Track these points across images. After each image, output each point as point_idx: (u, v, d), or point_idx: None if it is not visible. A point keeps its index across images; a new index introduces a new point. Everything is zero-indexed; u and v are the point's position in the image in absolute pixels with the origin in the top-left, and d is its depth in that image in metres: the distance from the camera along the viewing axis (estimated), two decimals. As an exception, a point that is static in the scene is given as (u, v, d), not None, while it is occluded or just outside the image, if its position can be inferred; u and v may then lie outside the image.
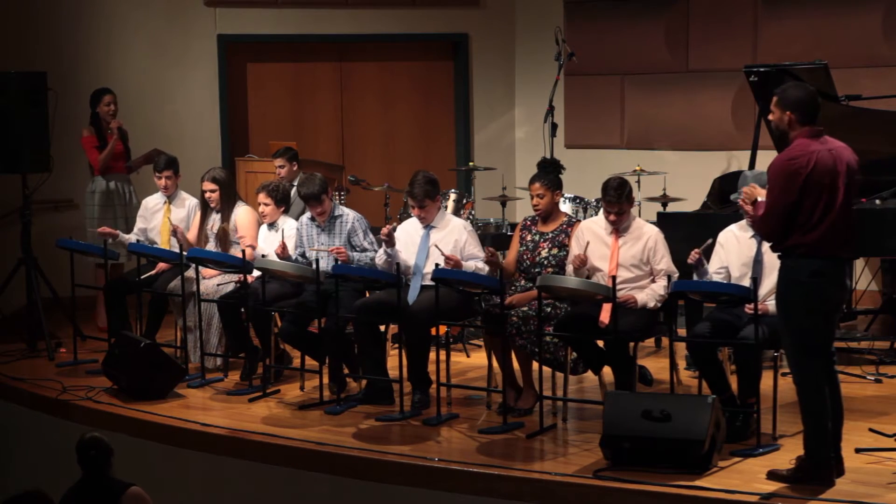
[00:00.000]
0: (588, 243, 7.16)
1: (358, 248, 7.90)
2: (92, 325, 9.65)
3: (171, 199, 9.05)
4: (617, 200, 7.12)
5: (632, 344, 6.96)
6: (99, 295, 9.64)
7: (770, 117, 6.02)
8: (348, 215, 8.01)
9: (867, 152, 6.70)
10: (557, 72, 10.60)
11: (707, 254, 6.98)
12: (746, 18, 10.90)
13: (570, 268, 7.23)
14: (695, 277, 6.93)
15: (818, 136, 5.91)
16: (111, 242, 8.71)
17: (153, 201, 9.16)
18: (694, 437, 6.13)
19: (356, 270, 7.59)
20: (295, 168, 9.51)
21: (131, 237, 9.02)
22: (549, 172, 7.50)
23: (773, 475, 6.00)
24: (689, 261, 6.86)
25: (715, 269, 6.99)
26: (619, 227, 7.17)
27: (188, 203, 9.04)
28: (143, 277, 8.62)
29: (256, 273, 7.99)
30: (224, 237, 8.51)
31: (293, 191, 8.97)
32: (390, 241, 7.54)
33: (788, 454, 6.33)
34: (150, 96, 11.00)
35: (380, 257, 7.66)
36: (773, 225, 5.90)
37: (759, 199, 6.06)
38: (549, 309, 7.18)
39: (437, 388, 7.23)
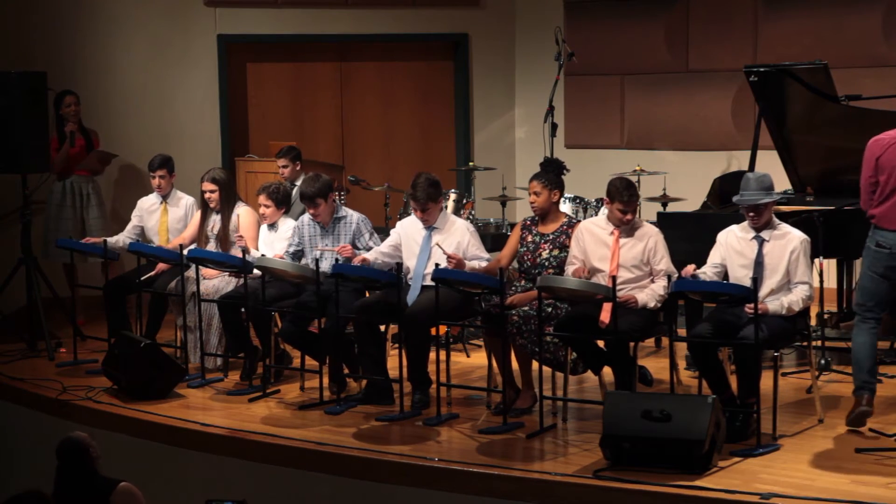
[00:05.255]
0: (590, 266, 7.14)
1: (364, 250, 7.88)
2: (91, 326, 9.58)
3: (166, 198, 9.05)
4: (631, 200, 7.11)
5: (632, 344, 6.96)
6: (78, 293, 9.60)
7: None
8: (352, 217, 7.99)
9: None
10: (557, 72, 10.60)
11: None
12: (746, 18, 10.90)
13: (569, 269, 7.22)
14: None
15: None
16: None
17: (149, 201, 9.14)
18: (694, 437, 6.12)
19: (356, 270, 7.58)
20: (298, 168, 9.51)
21: (119, 239, 8.97)
22: (549, 171, 7.49)
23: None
24: (685, 274, 6.82)
25: (712, 263, 6.95)
26: (627, 226, 7.15)
27: (184, 202, 9.04)
28: (143, 278, 8.62)
29: (257, 273, 7.99)
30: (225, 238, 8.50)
31: (294, 191, 8.96)
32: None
33: (788, 454, 6.34)
34: (150, 96, 11.00)
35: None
36: (861, 195, 6.69)
37: None
38: (549, 309, 7.17)
39: (437, 388, 7.22)
